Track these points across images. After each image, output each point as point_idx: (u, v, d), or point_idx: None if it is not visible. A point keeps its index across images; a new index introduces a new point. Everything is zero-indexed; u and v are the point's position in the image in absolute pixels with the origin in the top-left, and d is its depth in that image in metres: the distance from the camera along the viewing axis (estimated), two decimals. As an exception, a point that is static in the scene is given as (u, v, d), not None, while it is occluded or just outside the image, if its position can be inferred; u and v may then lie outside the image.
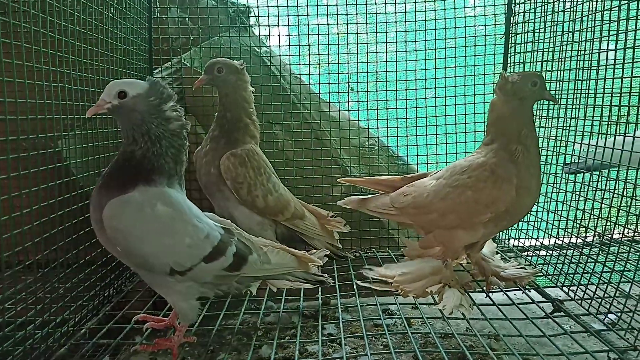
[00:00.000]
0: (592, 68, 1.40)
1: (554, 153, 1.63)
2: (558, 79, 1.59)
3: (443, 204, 1.34)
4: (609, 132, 1.36)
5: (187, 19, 1.86)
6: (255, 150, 1.57)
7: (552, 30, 1.60)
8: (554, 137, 1.63)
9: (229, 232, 1.14)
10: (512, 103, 1.33)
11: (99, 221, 1.00)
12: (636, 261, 1.25)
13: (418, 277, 1.37)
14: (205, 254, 1.06)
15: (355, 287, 1.44)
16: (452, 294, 1.30)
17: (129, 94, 1.01)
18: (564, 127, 1.56)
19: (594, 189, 1.40)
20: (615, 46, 1.29)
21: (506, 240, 1.87)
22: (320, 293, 1.45)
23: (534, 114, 1.70)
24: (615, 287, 1.25)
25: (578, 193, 1.49)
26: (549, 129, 1.65)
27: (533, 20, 1.69)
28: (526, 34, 1.74)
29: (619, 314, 1.19)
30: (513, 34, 1.81)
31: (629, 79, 1.25)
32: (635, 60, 1.23)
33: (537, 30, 1.67)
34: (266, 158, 1.62)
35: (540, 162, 1.37)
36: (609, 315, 1.23)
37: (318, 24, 1.82)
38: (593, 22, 1.38)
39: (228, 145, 1.53)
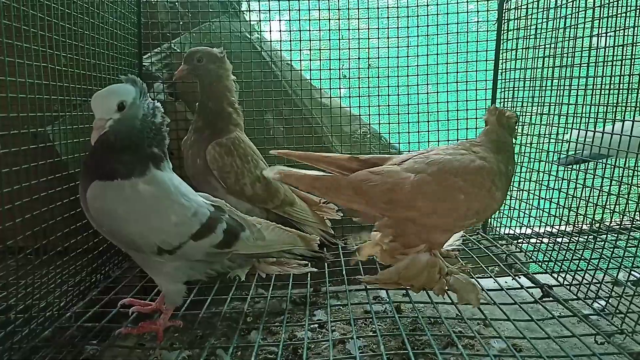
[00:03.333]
0: (584, 54, 1.39)
1: (549, 141, 1.62)
2: (550, 65, 1.58)
3: (428, 204, 1.21)
4: (605, 118, 1.35)
5: (177, 3, 1.84)
6: (241, 138, 1.55)
7: (544, 16, 1.59)
8: (547, 124, 1.62)
9: (219, 209, 1.13)
10: (506, 134, 1.33)
11: (85, 203, 1.00)
12: (624, 247, 1.25)
13: (419, 272, 1.26)
14: (193, 232, 1.05)
15: (344, 273, 1.43)
16: (463, 286, 1.24)
17: (127, 103, 0.98)
18: (559, 114, 1.55)
19: (584, 176, 1.40)
20: (607, 31, 1.28)
21: (498, 229, 1.86)
22: (309, 279, 1.44)
23: (534, 100, 1.69)
24: (604, 272, 1.25)
25: (569, 180, 1.49)
26: (545, 115, 1.64)
27: (525, 7, 1.68)
28: (518, 21, 1.73)
29: (607, 299, 1.19)
30: (505, 21, 1.80)
31: (620, 65, 1.25)
32: (626, 45, 1.22)
33: (530, 17, 1.66)
34: (253, 145, 1.60)
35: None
36: (598, 301, 1.23)
37: (309, 10, 1.80)
38: (585, 7, 1.37)
39: (213, 135, 1.51)
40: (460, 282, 1.25)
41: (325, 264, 1.48)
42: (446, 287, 1.25)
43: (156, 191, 1.01)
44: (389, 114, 1.87)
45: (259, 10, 1.82)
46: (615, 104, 1.27)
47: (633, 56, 1.20)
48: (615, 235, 1.32)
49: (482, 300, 1.23)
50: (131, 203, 0.99)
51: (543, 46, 1.61)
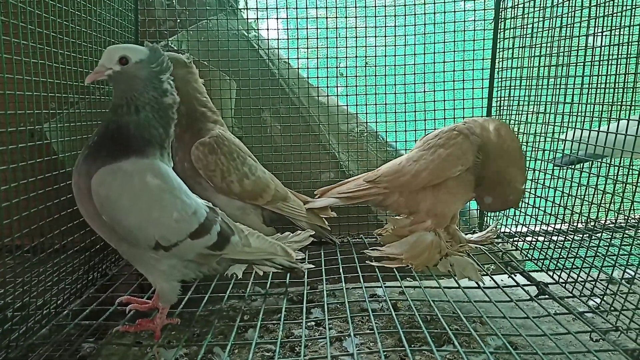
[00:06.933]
0: (580, 53, 1.40)
1: (545, 139, 1.62)
2: (547, 64, 1.58)
3: (416, 165, 1.48)
4: (601, 117, 1.35)
5: (174, 1, 1.83)
6: (225, 135, 1.54)
7: (540, 15, 1.59)
8: (543, 123, 1.62)
9: (213, 211, 1.13)
10: None
11: (84, 189, 0.98)
12: (619, 245, 1.26)
13: (422, 251, 1.45)
14: (192, 230, 1.05)
15: (341, 271, 1.44)
16: (462, 264, 1.42)
17: (131, 60, 0.99)
18: (555, 114, 1.55)
19: (579, 174, 1.41)
20: (602, 30, 1.28)
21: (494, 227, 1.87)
22: (306, 278, 1.44)
23: (530, 99, 1.69)
24: (599, 270, 1.26)
25: (564, 179, 1.49)
26: (541, 114, 1.64)
27: (522, 6, 1.68)
28: (515, 19, 1.73)
29: (602, 297, 1.20)
30: (502, 19, 1.80)
31: (615, 64, 1.25)
32: (622, 44, 1.22)
33: (526, 16, 1.67)
34: (240, 142, 1.60)
35: None
36: (593, 298, 1.24)
37: (307, 8, 1.80)
38: (581, 5, 1.38)
39: (193, 137, 1.51)
40: (459, 260, 1.43)
41: (322, 261, 1.49)
42: (449, 267, 1.42)
43: (162, 184, 1.01)
44: (386, 113, 1.87)
45: (256, 8, 1.82)
46: (611, 103, 1.27)
47: (628, 55, 1.20)
48: (610, 233, 1.33)
49: (476, 298, 1.26)
50: (137, 193, 0.98)
51: (539, 45, 1.61)
